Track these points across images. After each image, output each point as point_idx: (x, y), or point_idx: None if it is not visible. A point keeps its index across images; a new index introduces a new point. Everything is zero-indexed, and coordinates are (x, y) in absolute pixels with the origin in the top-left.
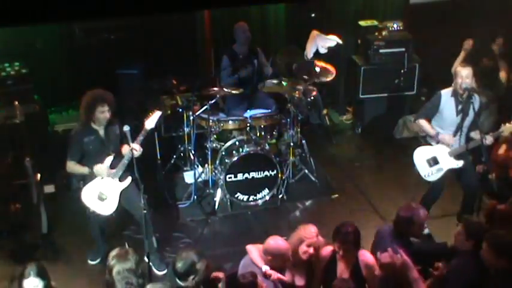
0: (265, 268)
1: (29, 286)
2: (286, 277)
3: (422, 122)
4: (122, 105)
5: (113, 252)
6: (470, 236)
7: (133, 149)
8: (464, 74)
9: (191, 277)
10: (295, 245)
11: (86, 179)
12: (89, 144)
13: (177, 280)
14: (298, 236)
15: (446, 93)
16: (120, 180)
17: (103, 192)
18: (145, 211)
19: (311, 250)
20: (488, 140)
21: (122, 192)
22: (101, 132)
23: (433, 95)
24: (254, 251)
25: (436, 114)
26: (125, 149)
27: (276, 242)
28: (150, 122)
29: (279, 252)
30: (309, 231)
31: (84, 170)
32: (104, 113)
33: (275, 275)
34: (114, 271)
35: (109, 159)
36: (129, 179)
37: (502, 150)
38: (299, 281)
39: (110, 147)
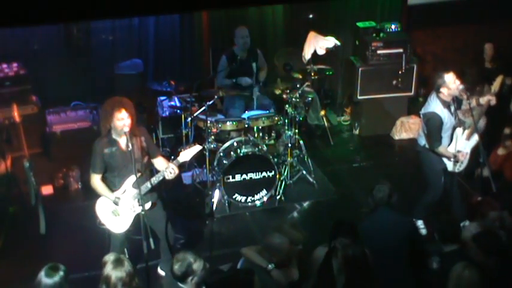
0: (272, 266)
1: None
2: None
3: (442, 149)
4: None
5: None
6: None
7: (172, 168)
8: (454, 78)
9: (189, 278)
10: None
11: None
12: (109, 156)
13: (178, 283)
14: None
15: (438, 108)
16: (139, 203)
17: (119, 208)
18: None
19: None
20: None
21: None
22: (123, 143)
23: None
24: (252, 252)
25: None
26: (160, 165)
27: (280, 239)
28: (186, 154)
29: (285, 248)
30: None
31: (110, 196)
32: (122, 120)
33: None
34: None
35: (131, 179)
36: (149, 204)
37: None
38: (294, 276)
39: (133, 161)
